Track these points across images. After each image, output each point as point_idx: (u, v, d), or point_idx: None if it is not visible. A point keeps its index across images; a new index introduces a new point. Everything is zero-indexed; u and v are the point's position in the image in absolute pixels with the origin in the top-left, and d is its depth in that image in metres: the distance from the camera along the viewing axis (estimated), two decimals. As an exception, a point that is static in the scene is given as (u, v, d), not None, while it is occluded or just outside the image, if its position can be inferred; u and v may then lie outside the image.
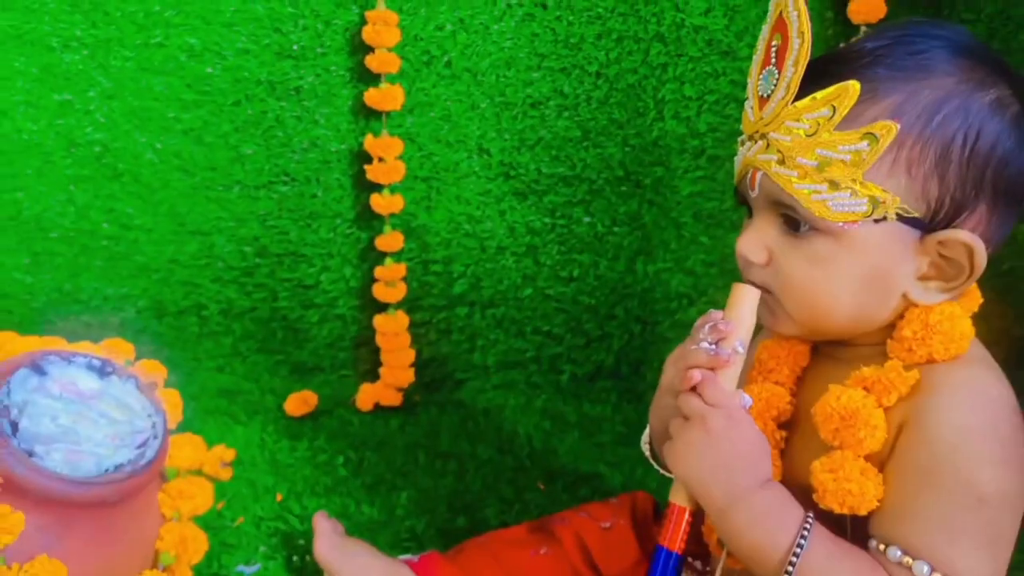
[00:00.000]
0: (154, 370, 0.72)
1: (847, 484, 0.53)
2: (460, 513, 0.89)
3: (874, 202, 0.53)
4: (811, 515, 0.54)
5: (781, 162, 0.55)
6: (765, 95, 0.56)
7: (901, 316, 0.56)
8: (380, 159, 1.06)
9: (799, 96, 0.54)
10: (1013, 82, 0.55)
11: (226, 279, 1.13)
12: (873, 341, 0.57)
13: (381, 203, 1.07)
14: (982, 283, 0.61)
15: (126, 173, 1.09)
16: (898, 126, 0.52)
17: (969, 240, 0.53)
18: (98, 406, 0.63)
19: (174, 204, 1.10)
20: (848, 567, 0.52)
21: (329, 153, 1.09)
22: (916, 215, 0.54)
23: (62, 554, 0.59)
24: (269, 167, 1.09)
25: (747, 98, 0.60)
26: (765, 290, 0.58)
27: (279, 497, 0.89)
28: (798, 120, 0.54)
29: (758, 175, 0.57)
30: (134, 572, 0.65)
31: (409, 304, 1.13)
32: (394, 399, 1.11)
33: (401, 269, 1.11)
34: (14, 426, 0.59)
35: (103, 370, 0.67)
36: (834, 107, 0.52)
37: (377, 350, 1.13)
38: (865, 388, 0.55)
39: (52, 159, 1.08)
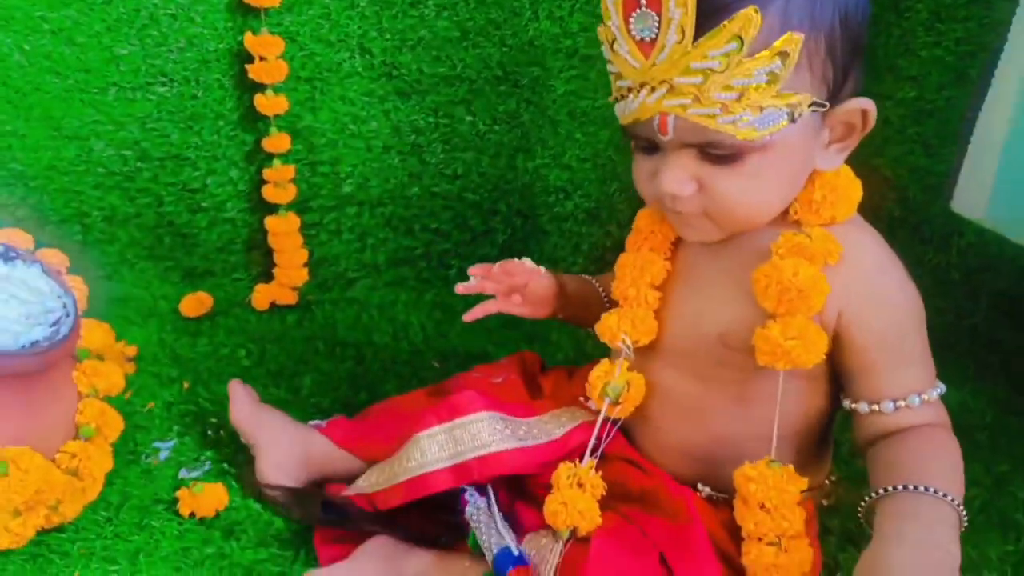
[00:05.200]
0: (55, 258, 0.73)
1: (802, 343, 0.57)
2: (362, 390, 0.94)
3: (791, 108, 0.55)
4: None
5: (697, 101, 0.54)
6: (647, 39, 0.55)
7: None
8: (261, 58, 1.04)
9: (696, 36, 0.53)
10: None
11: (108, 185, 1.11)
12: None
13: (265, 103, 1.07)
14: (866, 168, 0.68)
15: (-9, 77, 1.04)
16: (801, 36, 0.52)
17: (866, 105, 0.57)
18: (7, 288, 0.64)
19: (47, 108, 1.06)
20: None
21: (207, 52, 1.07)
22: (821, 99, 0.56)
23: (-13, 423, 0.62)
24: (145, 68, 1.06)
25: (611, 41, 0.58)
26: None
27: (186, 385, 0.91)
28: (704, 60, 0.53)
29: (668, 119, 0.56)
30: (57, 442, 0.68)
31: (299, 205, 1.14)
32: (289, 298, 1.13)
33: (290, 170, 1.11)
34: (-75, 306, 0.60)
35: (6, 255, 0.67)
36: (740, 38, 0.52)
37: (269, 252, 1.15)
38: (804, 256, 0.58)
39: (-97, 63, 1.01)
